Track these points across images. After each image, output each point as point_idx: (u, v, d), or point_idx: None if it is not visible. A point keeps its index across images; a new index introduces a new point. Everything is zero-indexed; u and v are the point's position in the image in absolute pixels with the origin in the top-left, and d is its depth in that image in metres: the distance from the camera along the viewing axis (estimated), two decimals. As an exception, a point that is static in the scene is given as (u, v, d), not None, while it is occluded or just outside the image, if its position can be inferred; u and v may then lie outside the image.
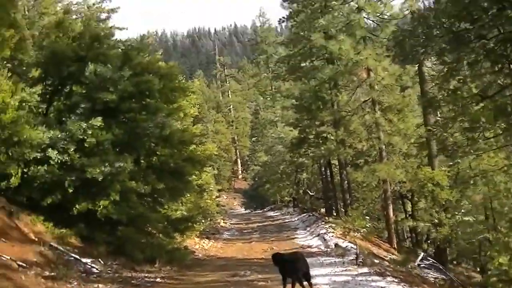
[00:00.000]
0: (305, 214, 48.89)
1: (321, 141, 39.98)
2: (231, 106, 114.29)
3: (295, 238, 35.45)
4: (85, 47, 22.81)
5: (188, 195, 36.30)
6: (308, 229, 38.88)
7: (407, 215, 37.96)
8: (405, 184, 35.95)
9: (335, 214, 43.28)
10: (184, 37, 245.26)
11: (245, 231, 44.97)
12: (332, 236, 31.79)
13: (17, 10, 25.79)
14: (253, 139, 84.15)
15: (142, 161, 23.32)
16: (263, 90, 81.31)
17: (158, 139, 23.53)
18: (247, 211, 76.70)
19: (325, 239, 31.43)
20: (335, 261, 23.13)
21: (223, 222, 51.82)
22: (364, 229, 31.86)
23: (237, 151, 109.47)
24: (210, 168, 49.67)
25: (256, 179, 72.84)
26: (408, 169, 36.32)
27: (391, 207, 36.33)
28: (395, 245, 36.07)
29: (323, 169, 46.33)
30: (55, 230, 20.18)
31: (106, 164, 20.39)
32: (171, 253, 23.83)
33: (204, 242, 35.59)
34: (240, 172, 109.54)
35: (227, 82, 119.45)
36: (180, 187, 24.95)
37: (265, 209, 71.32)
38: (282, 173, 58.89)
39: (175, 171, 24.19)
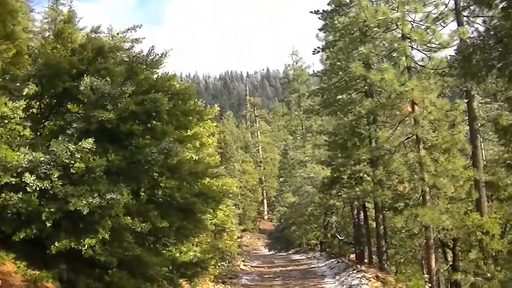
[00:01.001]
0: (333, 260, 43.62)
1: (355, 182, 34.88)
2: (260, 147, 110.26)
3: None
4: (86, 61, 18.50)
5: (203, 235, 31.89)
6: (337, 277, 33.64)
7: (449, 266, 32.63)
8: (451, 231, 30.69)
9: (367, 261, 38.01)
10: (217, 80, 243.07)
11: (267, 276, 39.73)
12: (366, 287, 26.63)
13: (17, 22, 21.64)
14: (281, 179, 79.09)
15: (142, 194, 18.32)
16: (293, 130, 76.27)
17: (162, 169, 18.69)
18: (270, 253, 71.35)
19: (359, 293, 26.36)
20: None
21: (243, 265, 46.62)
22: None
23: (264, 191, 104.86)
24: (230, 206, 45.05)
25: (282, 220, 67.64)
26: (454, 214, 31.08)
27: (433, 257, 31.06)
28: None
29: (355, 212, 41.15)
30: (27, 271, 15.67)
31: (96, 195, 15.86)
32: (171, 305, 19.03)
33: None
34: (266, 212, 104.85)
35: (257, 123, 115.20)
36: (188, 227, 20.07)
37: (289, 252, 66.12)
38: (310, 215, 53.62)
39: (183, 207, 19.41)
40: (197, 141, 24.80)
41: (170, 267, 20.76)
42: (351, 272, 32.93)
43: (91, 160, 16.39)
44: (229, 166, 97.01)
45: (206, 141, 26.46)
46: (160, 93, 18.57)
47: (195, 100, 23.17)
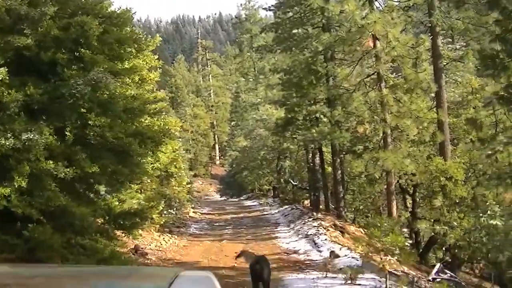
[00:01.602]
0: (287, 207, 41.06)
1: (311, 123, 31.95)
2: (212, 91, 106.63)
3: (277, 237, 27.58)
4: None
5: (148, 181, 28.80)
6: (292, 226, 31.01)
7: (410, 215, 30.30)
8: (414, 177, 28.19)
9: (323, 208, 35.47)
10: (168, 24, 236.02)
11: (217, 224, 36.97)
12: (325, 239, 23.92)
13: None
14: (233, 123, 75.78)
15: (68, 134, 15.05)
16: (245, 72, 72.61)
17: (92, 104, 15.47)
18: (222, 198, 69.11)
19: (315, 243, 23.72)
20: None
21: (193, 212, 43.72)
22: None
23: (216, 136, 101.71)
24: (178, 150, 41.93)
25: (234, 165, 64.73)
26: (417, 159, 28.60)
27: (394, 203, 28.67)
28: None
29: (310, 156, 38.36)
30: None
31: (9, 135, 12.85)
32: (105, 261, 15.93)
33: (164, 239, 27.81)
34: (217, 157, 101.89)
35: (209, 66, 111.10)
36: (124, 171, 16.94)
37: (241, 198, 63.50)
38: (262, 159, 50.83)
39: (118, 149, 16.31)
40: (136, 75, 21.48)
41: (107, 218, 17.91)
42: (306, 220, 30.32)
43: (4, 94, 13.34)
44: (180, 111, 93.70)
45: (147, 76, 23.03)
46: (89, 16, 15.32)
47: (132, 27, 19.93)
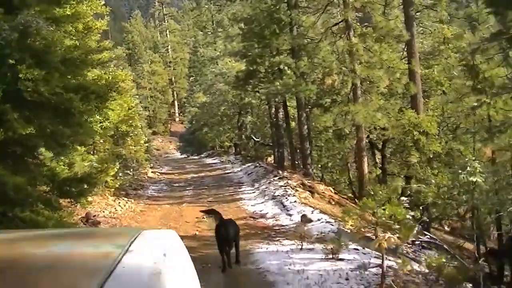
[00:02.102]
0: (250, 164, 38.86)
1: (275, 76, 29.49)
2: (169, 47, 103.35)
3: (241, 199, 25.33)
4: None
5: (101, 141, 26.35)
6: (256, 185, 28.83)
7: (381, 172, 28.39)
8: (386, 131, 26.18)
9: (288, 166, 33.33)
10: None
11: (177, 184, 34.56)
12: (295, 201, 21.74)
13: None
14: (191, 79, 72.52)
15: (-5, 89, 12.52)
16: (203, 26, 69.15)
17: (22, 54, 12.88)
18: (183, 156, 66.92)
19: (284, 205, 21.57)
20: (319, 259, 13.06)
21: (151, 172, 41.26)
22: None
23: (175, 92, 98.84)
24: (133, 106, 39.37)
25: (194, 122, 61.92)
26: (389, 112, 26.54)
27: (365, 160, 26.77)
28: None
29: (273, 111, 36.05)
30: None
31: None
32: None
33: (119, 204, 25.45)
34: (177, 114, 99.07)
35: (166, 21, 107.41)
36: (65, 132, 14.44)
37: (202, 155, 61.18)
38: (223, 115, 48.25)
39: (56, 106, 13.82)
40: (80, 23, 18.77)
41: (50, 186, 15.51)
42: (272, 179, 28.14)
43: None
44: (138, 68, 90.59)
45: (93, 24, 20.28)
46: None
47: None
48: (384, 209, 9.90)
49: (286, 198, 22.20)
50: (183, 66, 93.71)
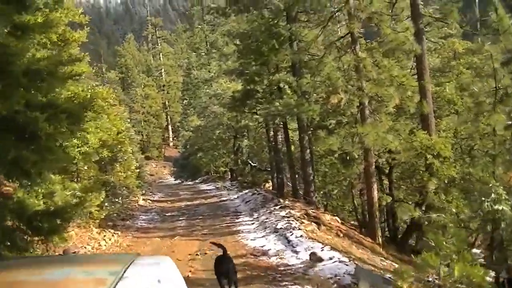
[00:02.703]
0: (247, 191, 36.17)
1: (274, 96, 26.96)
2: (163, 70, 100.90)
3: (239, 232, 22.51)
4: None
5: (84, 168, 23.86)
6: (255, 215, 26.11)
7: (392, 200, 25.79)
8: (398, 154, 23.62)
9: (287, 192, 30.72)
10: (118, 4, 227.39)
11: (169, 214, 31.82)
12: (301, 235, 18.98)
13: None
14: (185, 102, 69.92)
15: None
16: (197, 47, 66.38)
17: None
18: (177, 182, 63.97)
19: (288, 240, 18.80)
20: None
21: (143, 200, 38.49)
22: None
23: (168, 117, 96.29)
24: (123, 129, 36.99)
25: (188, 146, 59.29)
26: (401, 133, 24.00)
27: (375, 186, 24.09)
28: (379, 239, 23.93)
29: (272, 133, 33.43)
30: None
31: None
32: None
33: (105, 237, 22.77)
34: (171, 139, 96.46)
35: (159, 45, 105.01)
36: (31, 158, 11.86)
37: (196, 181, 58.44)
38: (218, 139, 45.62)
39: (19, 127, 11.37)
40: (53, 33, 16.22)
41: (17, 221, 13.13)
42: (272, 208, 25.48)
43: None
44: (131, 91, 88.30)
45: (70, 36, 17.73)
46: None
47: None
48: (451, 268, 7.22)
49: (291, 231, 19.47)
50: (177, 89, 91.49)
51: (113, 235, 23.50)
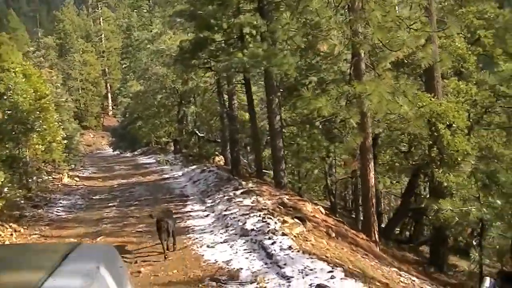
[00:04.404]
0: (194, 167, 29.02)
1: (234, 46, 19.62)
2: (103, 35, 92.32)
3: (189, 230, 15.15)
4: None
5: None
6: (209, 202, 18.87)
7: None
8: (407, 123, 16.85)
9: (246, 171, 23.66)
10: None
11: (97, 196, 24.18)
12: (289, 245, 11.52)
13: None
14: (124, 66, 61.48)
15: None
16: (139, 5, 57.36)
17: None
18: (115, 153, 56.49)
19: (269, 254, 11.41)
20: None
21: (68, 177, 30.68)
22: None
23: (108, 84, 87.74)
24: (50, 96, 29.98)
25: (127, 115, 51.40)
26: (407, 95, 17.04)
27: (371, 166, 17.24)
28: (376, 235, 17.24)
29: (225, 97, 26.18)
30: None
31: None
32: None
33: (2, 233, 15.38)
34: (110, 108, 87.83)
35: (99, 9, 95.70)
36: None
37: (136, 152, 50.72)
38: (160, 105, 37.83)
39: None
40: None
41: None
42: (231, 193, 18.33)
43: None
44: (69, 58, 79.48)
45: None
46: None
47: None
48: None
49: (269, 236, 12.20)
50: (118, 56, 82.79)
51: (12, 233, 16.06)
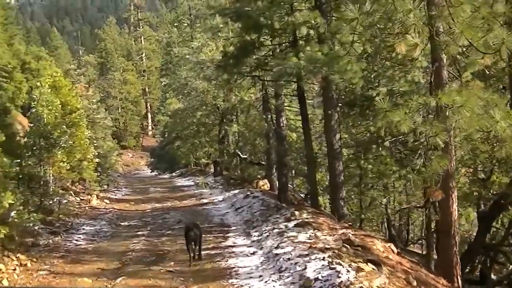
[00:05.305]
0: (236, 191, 26.02)
1: (288, 49, 16.50)
2: (143, 54, 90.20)
3: (232, 275, 11.95)
4: None
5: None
6: (254, 235, 15.76)
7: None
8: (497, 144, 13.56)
9: (292, 197, 20.46)
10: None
11: (126, 223, 21.12)
12: None
13: None
14: (163, 83, 58.80)
15: None
16: (179, 20, 54.55)
17: None
18: (152, 174, 53.79)
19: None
20: None
21: (97, 199, 27.75)
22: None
23: (148, 104, 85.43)
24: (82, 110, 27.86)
25: (166, 135, 48.73)
26: (499, 109, 13.68)
27: (455, 195, 13.87)
28: (459, 281, 13.88)
29: (272, 114, 23.08)
30: None
31: None
32: None
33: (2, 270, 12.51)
34: (150, 128, 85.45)
35: (141, 27, 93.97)
36: None
37: (174, 174, 47.91)
38: (199, 124, 34.84)
39: None
40: None
41: None
42: (282, 226, 15.16)
43: None
44: (109, 76, 77.67)
45: None
46: None
47: None
48: None
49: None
50: (158, 75, 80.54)
51: (14, 269, 13.10)
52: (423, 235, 24.25)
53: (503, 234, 20.93)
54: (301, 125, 21.89)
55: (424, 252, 22.12)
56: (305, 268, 10.53)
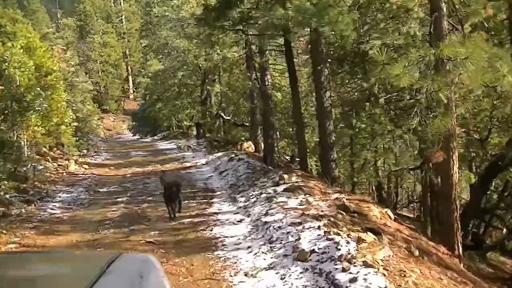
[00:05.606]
0: (220, 154, 24.83)
1: (273, 4, 15.18)
2: (123, 16, 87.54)
3: (219, 244, 10.89)
4: None
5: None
6: (241, 200, 14.69)
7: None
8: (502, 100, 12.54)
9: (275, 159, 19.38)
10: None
11: (105, 188, 19.89)
12: (375, 278, 7.26)
13: None
14: (143, 44, 57.05)
15: None
16: None
17: None
18: (134, 138, 52.55)
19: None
20: None
21: (76, 164, 26.45)
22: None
23: (129, 67, 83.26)
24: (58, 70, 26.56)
25: (147, 97, 47.21)
26: (505, 63, 12.52)
27: (455, 158, 12.83)
28: (460, 248, 12.90)
29: (257, 73, 21.84)
30: None
31: None
32: None
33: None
34: (131, 91, 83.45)
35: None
36: None
37: (155, 137, 46.59)
38: (181, 85, 33.52)
39: None
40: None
41: None
42: (271, 190, 14.05)
43: None
44: (88, 39, 75.50)
45: None
46: None
47: None
48: None
49: (344, 267, 7.79)
50: (139, 37, 78.43)
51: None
52: (414, 198, 23.36)
53: (496, 197, 20.12)
54: (286, 84, 20.73)
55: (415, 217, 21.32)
56: (299, 238, 9.44)
